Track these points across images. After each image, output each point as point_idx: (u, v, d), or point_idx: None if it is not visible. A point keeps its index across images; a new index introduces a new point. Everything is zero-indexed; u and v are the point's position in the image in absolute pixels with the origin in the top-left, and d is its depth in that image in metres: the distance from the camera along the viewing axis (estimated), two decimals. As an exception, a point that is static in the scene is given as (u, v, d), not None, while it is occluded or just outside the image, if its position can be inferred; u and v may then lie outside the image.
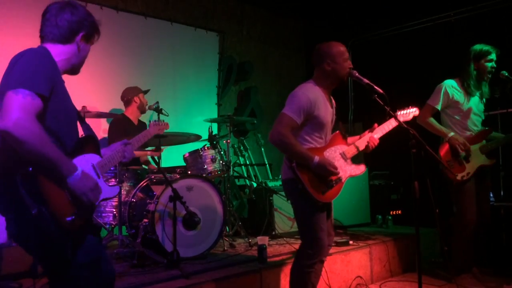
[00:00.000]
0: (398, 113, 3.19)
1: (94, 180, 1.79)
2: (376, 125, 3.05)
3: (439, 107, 3.88)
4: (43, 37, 1.92)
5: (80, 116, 2.05)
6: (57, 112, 1.79)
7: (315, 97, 2.85)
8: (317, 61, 2.93)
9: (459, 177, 3.78)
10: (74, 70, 2.00)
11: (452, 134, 3.81)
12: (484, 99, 3.97)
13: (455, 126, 3.90)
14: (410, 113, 3.24)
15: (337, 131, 3.01)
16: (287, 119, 2.78)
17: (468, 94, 3.85)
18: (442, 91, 3.86)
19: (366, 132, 3.06)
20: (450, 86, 3.87)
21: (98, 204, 1.91)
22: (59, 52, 1.89)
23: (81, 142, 1.92)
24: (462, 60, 3.90)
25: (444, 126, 3.93)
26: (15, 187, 1.63)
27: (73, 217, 1.71)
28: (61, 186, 1.71)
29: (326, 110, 2.90)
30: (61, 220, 1.68)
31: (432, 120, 3.89)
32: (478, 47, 3.84)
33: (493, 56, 3.81)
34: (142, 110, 4.71)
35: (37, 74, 1.69)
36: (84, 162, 1.87)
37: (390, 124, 3.08)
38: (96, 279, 1.84)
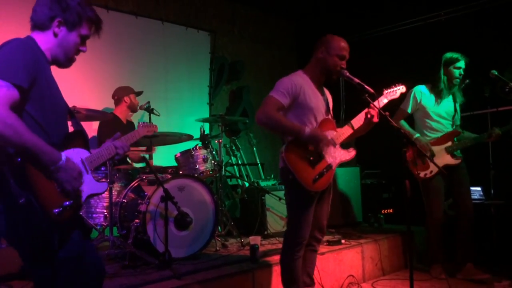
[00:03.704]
0: (385, 92, 3.19)
1: (78, 169, 1.78)
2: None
3: (409, 110, 4.16)
4: (31, 26, 1.89)
5: (71, 111, 2.02)
6: (43, 103, 1.77)
7: (300, 81, 2.91)
8: (315, 47, 2.99)
9: (422, 174, 4.04)
10: (58, 62, 1.92)
11: (417, 135, 4.07)
12: (458, 104, 4.14)
13: (424, 128, 4.15)
14: (397, 90, 3.23)
15: (326, 117, 3.02)
16: (272, 100, 2.85)
17: (439, 98, 4.07)
18: (412, 95, 4.14)
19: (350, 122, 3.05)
20: (419, 91, 4.14)
21: (85, 200, 1.88)
22: (41, 40, 1.85)
23: (70, 137, 1.90)
24: (434, 66, 4.09)
25: (416, 128, 4.20)
26: (3, 177, 1.63)
27: (61, 209, 1.70)
28: (49, 177, 1.70)
29: (315, 95, 2.95)
30: (48, 211, 1.67)
31: (402, 122, 4.18)
32: (448, 54, 4.06)
33: (461, 64, 4.01)
34: (133, 110, 4.71)
35: (16, 65, 1.66)
36: (73, 156, 1.85)
37: (381, 102, 3.11)
38: (78, 276, 1.81)
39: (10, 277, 2.94)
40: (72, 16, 1.87)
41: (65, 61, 1.93)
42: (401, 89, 3.24)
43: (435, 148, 4.03)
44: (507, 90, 3.85)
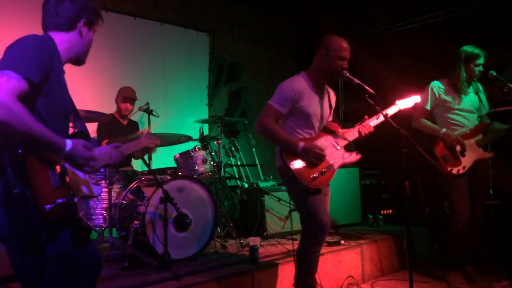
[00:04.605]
0: (397, 101, 3.20)
1: (89, 151, 1.80)
2: (366, 117, 3.06)
3: (428, 107, 3.97)
4: (45, 27, 1.92)
5: (77, 112, 2.03)
6: (50, 101, 1.78)
7: (300, 87, 2.91)
8: (316, 48, 2.99)
9: (454, 171, 3.80)
10: (78, 59, 2.00)
11: (444, 130, 3.86)
12: (481, 94, 4.00)
13: (448, 124, 3.94)
14: (410, 100, 3.24)
15: (329, 121, 3.06)
16: (271, 109, 2.88)
17: (459, 93, 3.91)
18: (429, 91, 3.97)
19: (357, 124, 3.07)
20: (436, 86, 3.97)
21: (78, 200, 1.89)
22: (62, 40, 1.89)
23: (73, 136, 1.90)
24: (451, 60, 3.94)
25: (438, 125, 3.98)
26: (2, 164, 1.64)
27: (53, 205, 1.70)
28: (47, 172, 1.70)
29: (314, 101, 2.95)
30: (40, 206, 1.67)
31: (424, 120, 3.99)
32: (469, 49, 3.87)
33: (481, 60, 3.86)
34: (121, 115, 4.65)
35: (29, 59, 1.68)
36: None
37: (390, 111, 3.13)
38: (68, 272, 1.81)
39: (9, 279, 2.93)
40: (93, 16, 1.97)
41: (84, 58, 2.03)
42: (415, 99, 3.22)
43: (465, 142, 3.85)
44: (505, 90, 3.83)
